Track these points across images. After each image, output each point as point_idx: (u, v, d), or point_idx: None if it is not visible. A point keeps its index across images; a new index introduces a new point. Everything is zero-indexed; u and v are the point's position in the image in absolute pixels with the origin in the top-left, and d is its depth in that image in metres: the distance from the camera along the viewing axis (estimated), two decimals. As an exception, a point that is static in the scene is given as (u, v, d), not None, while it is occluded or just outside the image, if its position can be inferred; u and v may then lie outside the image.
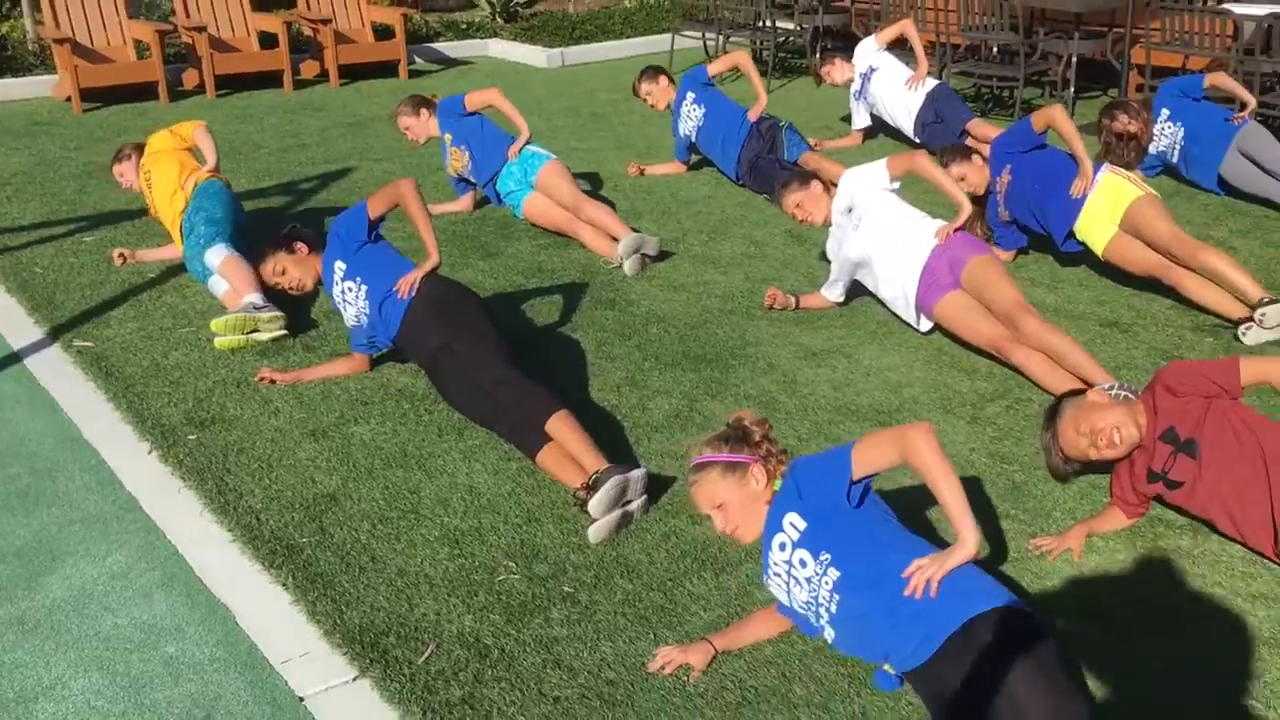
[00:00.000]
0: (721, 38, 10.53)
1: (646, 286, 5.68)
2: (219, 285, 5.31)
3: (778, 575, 2.84)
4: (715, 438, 2.96)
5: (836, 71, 8.02)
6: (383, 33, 11.11)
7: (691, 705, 2.90)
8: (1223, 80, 6.58)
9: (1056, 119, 5.37)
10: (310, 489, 3.93)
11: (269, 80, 10.39)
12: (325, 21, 10.45)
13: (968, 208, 4.92)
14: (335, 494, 3.90)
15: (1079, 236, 5.49)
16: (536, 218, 6.37)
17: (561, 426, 3.84)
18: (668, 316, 5.31)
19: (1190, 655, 3.06)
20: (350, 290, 4.39)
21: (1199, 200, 6.71)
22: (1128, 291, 5.51)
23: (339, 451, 4.17)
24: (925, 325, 5.01)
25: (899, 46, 7.98)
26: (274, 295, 5.06)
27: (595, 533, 3.56)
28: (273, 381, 4.66)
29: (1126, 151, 5.80)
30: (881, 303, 5.24)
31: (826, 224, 5.24)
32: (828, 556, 2.70)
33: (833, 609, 2.69)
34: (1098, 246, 5.41)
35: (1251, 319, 4.90)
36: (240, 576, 3.48)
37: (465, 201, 6.81)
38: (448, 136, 6.53)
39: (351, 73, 10.73)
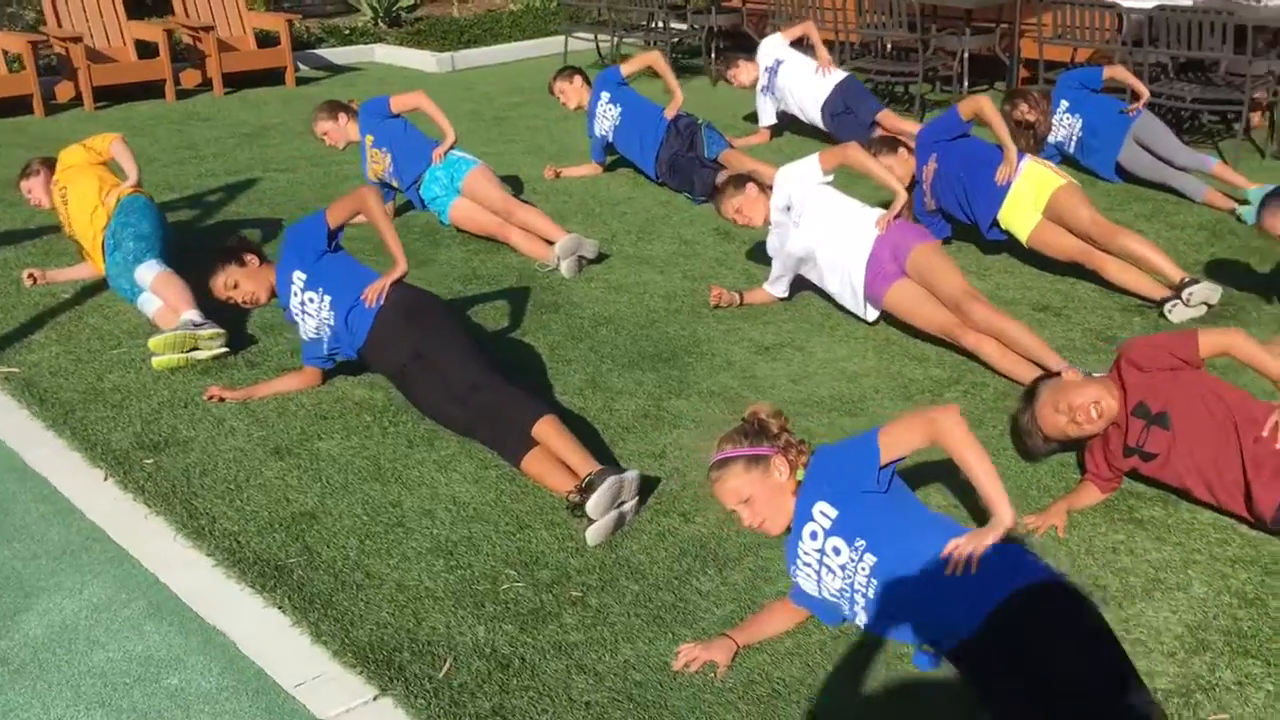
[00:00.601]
0: (615, 40, 10.55)
1: (587, 288, 5.67)
2: (150, 303, 5.11)
3: (807, 565, 2.86)
4: (734, 433, 2.97)
5: (742, 73, 8.09)
6: (264, 40, 10.83)
7: (724, 701, 2.91)
8: (1120, 73, 6.85)
9: (983, 108, 5.53)
10: (286, 508, 3.82)
11: (149, 91, 10.04)
12: (207, 29, 10.13)
13: (903, 194, 5.02)
14: (314, 512, 3.79)
15: (1003, 224, 5.66)
16: (464, 223, 6.30)
17: (549, 431, 3.81)
18: (615, 318, 5.30)
19: (1182, 621, 3.19)
20: (312, 301, 4.28)
21: (1100, 187, 6.98)
22: (1051, 277, 5.70)
23: (308, 469, 4.06)
24: (872, 315, 5.11)
25: (800, 46, 8.10)
26: (213, 311, 4.90)
27: (594, 535, 3.54)
28: (222, 399, 4.51)
29: (1025, 140, 6.01)
30: (825, 295, 5.33)
31: (766, 225, 5.30)
32: (863, 542, 2.73)
33: (869, 594, 2.73)
34: (1022, 234, 5.59)
35: (1179, 298, 5.12)
36: (231, 601, 3.36)
37: (386, 209, 6.68)
38: (369, 139, 6.41)
39: (235, 81, 10.43)
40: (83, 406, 4.53)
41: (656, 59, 7.32)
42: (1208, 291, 5.12)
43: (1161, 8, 7.34)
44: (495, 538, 3.63)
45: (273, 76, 10.62)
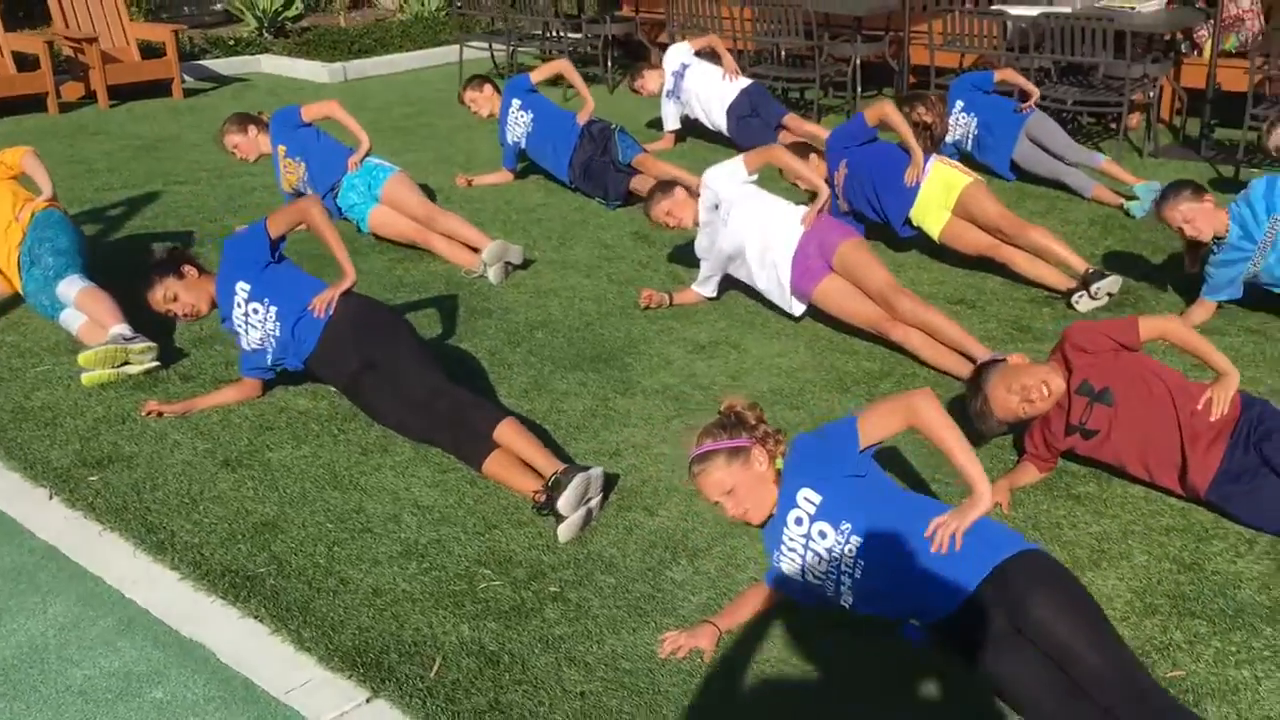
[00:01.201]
0: (510, 49, 10.58)
1: (516, 294, 5.71)
2: (73, 319, 4.99)
3: (792, 551, 2.97)
4: (712, 426, 3.06)
5: (649, 82, 8.20)
6: (148, 51, 10.58)
7: (714, 684, 3.00)
8: (1009, 75, 7.17)
9: (889, 114, 5.75)
10: (246, 519, 3.79)
11: (29, 104, 9.71)
12: (90, 40, 9.86)
13: (825, 191, 5.19)
14: (275, 521, 3.77)
15: (915, 222, 5.89)
16: (383, 230, 6.28)
17: (511, 433, 3.86)
18: (549, 322, 5.36)
19: (1129, 587, 3.38)
20: (256, 312, 4.23)
21: (995, 184, 7.25)
22: (961, 272, 5.94)
23: (262, 479, 4.03)
24: (798, 309, 5.26)
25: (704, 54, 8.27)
26: (141, 325, 4.82)
27: (565, 531, 3.60)
28: (160, 414, 4.44)
29: (923, 140, 6.25)
30: (752, 294, 5.46)
31: (695, 226, 5.41)
32: (848, 525, 2.85)
33: (856, 574, 2.85)
34: (933, 230, 5.82)
35: (1085, 289, 5.40)
36: (205, 613, 3.33)
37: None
38: (281, 149, 6.34)
39: (119, 93, 10.17)
40: (14, 426, 4.41)
41: (566, 66, 7.39)
42: (1111, 283, 5.41)
43: (1046, 15, 7.68)
44: (465, 539, 3.66)
45: (158, 88, 10.38)
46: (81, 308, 4.92)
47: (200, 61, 11.35)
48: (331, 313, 4.18)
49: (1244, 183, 6.94)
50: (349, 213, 6.37)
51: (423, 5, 13.07)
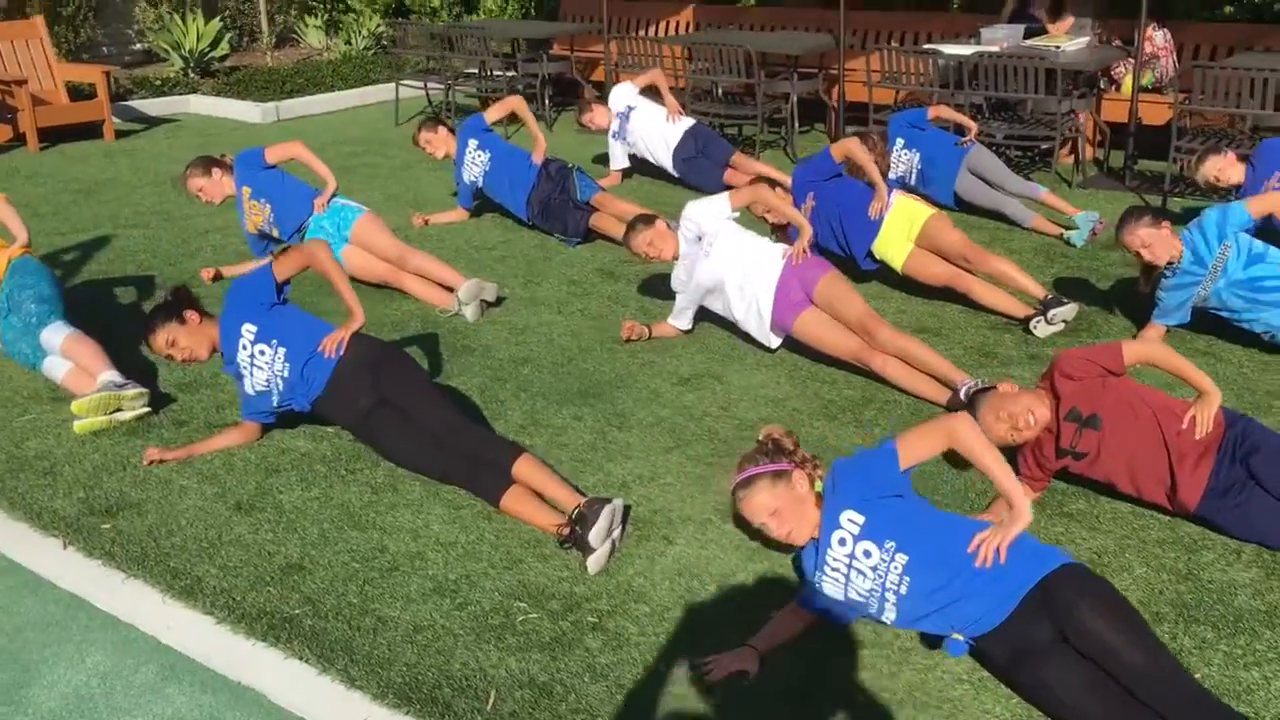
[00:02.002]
0: (447, 87, 10.65)
1: (495, 331, 5.79)
2: (57, 366, 4.94)
3: (835, 571, 3.11)
4: (753, 453, 3.20)
5: (598, 117, 8.37)
6: (76, 93, 10.43)
7: (768, 705, 3.11)
8: (943, 111, 7.48)
9: (854, 151, 5.98)
10: (270, 561, 3.81)
11: (-46, 148, 9.54)
12: (20, 83, 9.68)
13: (809, 230, 5.39)
14: (300, 563, 3.80)
15: (877, 254, 6.12)
16: (356, 271, 6.30)
17: (529, 468, 3.94)
18: (531, 358, 5.45)
19: (1134, 598, 3.57)
20: (263, 354, 4.26)
21: (939, 217, 7.57)
22: (920, 300, 6.17)
23: (278, 522, 4.05)
24: (775, 342, 5.43)
25: (648, 93, 8.45)
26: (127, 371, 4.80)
27: (594, 563, 3.69)
28: (162, 461, 4.42)
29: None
30: (726, 326, 5.62)
31: (675, 259, 5.56)
32: (892, 543, 3.00)
33: (902, 590, 3.00)
34: (896, 262, 6.05)
35: (1044, 315, 5.66)
36: (248, 656, 3.35)
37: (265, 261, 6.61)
38: (246, 190, 6.35)
39: (48, 135, 10.01)
40: (11, 475, 4.36)
41: (519, 104, 7.50)
42: (1068, 310, 5.68)
43: (980, 54, 8.03)
44: (493, 573, 3.73)
45: (88, 130, 10.24)
46: (68, 355, 4.88)
47: (128, 102, 11.21)
48: (342, 353, 4.22)
49: (1171, 212, 7.36)
50: (317, 254, 6.38)
51: (350, 45, 13.07)
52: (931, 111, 7.49)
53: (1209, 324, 5.46)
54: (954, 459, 4.24)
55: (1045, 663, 2.82)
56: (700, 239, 5.42)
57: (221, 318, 4.35)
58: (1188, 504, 3.85)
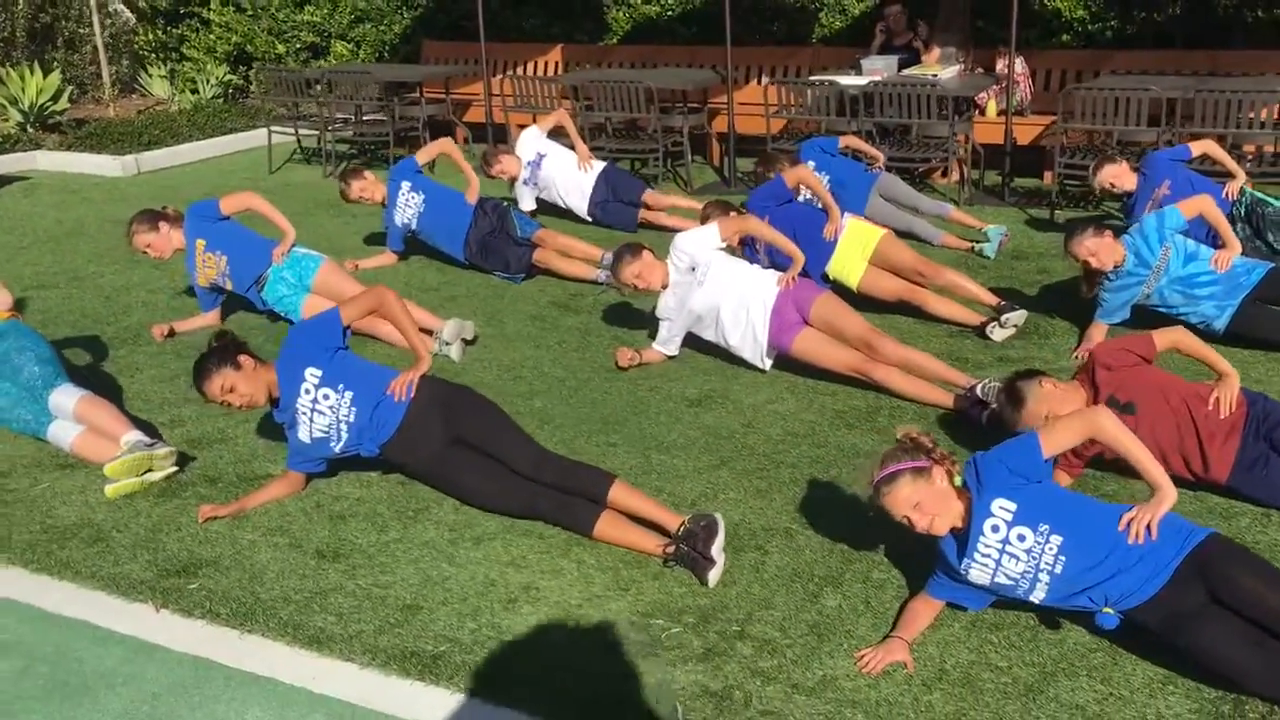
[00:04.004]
0: (324, 132, 10.50)
1: (485, 369, 5.81)
2: (65, 431, 4.71)
3: (985, 557, 3.34)
4: (894, 451, 3.41)
5: (509, 166, 8.33)
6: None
7: (930, 690, 3.31)
8: (853, 141, 7.93)
9: (805, 178, 6.31)
10: (384, 604, 3.77)
11: None
12: None
13: (800, 257, 5.65)
14: (417, 603, 3.77)
15: (833, 275, 6.44)
16: (323, 320, 6.19)
17: (624, 493, 4.04)
18: (536, 393, 5.50)
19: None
20: (327, 398, 4.19)
21: (852, 238, 7.97)
22: (875, 316, 6.47)
23: (370, 565, 4.00)
24: (768, 364, 5.66)
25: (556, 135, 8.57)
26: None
27: (714, 576, 3.81)
28: (216, 517, 4.30)
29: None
30: (712, 348, 5.80)
31: (663, 288, 5.72)
32: (1046, 526, 3.26)
33: (1057, 570, 3.26)
34: (852, 280, 6.39)
35: (998, 321, 6.09)
36: (414, 696, 3.33)
37: (213, 316, 6.43)
38: (200, 243, 6.17)
39: (-106, 199, 9.38)
40: (57, 547, 4.15)
41: (449, 146, 7.50)
42: (1019, 316, 6.13)
43: (876, 83, 8.53)
44: (614, 596, 3.80)
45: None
46: (83, 418, 4.66)
47: (-35, 163, 10.59)
48: (412, 395, 4.21)
49: (1059, 223, 7.98)
50: (277, 305, 6.26)
51: (198, 94, 12.67)
52: (843, 140, 7.90)
53: (1147, 319, 5.98)
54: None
55: (1203, 625, 3.11)
56: (694, 269, 5.60)
57: (280, 361, 4.27)
58: (1218, 478, 4.27)
